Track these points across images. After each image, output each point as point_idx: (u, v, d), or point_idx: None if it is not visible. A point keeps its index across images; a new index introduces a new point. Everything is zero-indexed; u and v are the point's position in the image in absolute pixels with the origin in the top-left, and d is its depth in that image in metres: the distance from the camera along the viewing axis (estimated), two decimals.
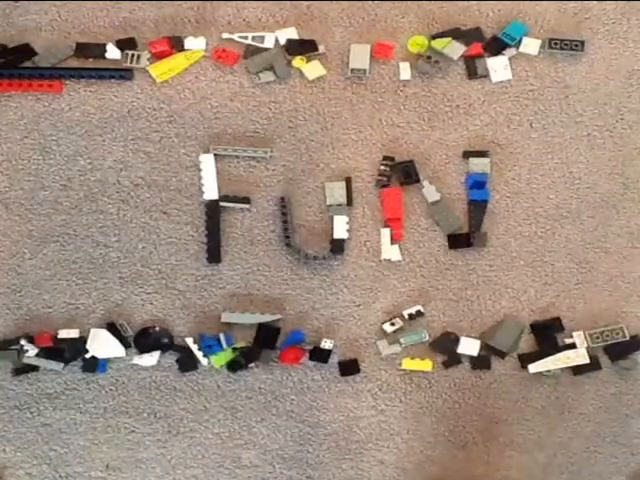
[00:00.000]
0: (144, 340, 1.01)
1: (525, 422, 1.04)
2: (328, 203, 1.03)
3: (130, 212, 1.03)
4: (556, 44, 1.05)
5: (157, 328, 1.01)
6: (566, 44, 1.05)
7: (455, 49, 1.04)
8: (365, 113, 1.05)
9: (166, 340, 1.01)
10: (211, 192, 1.02)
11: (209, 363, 1.01)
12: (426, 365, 1.03)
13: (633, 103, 1.06)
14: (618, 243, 1.05)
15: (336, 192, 1.02)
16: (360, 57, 1.04)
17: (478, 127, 1.05)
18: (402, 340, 1.02)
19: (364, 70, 1.04)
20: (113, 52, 1.03)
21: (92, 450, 1.02)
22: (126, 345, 1.00)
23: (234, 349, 1.01)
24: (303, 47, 1.04)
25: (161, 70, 1.03)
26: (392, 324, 1.02)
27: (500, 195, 1.05)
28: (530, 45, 1.05)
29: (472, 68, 1.05)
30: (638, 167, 1.06)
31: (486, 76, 1.05)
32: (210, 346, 1.00)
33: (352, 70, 1.04)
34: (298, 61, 1.03)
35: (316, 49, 1.04)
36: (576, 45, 1.05)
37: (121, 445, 1.02)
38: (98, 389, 1.01)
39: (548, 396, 1.04)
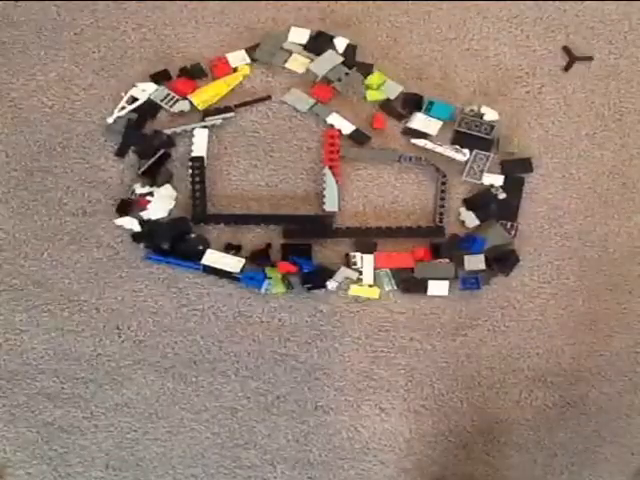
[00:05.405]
0: (181, 245, 1.00)
1: (525, 422, 1.05)
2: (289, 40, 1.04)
3: None
4: None
5: (193, 235, 1.01)
6: None
7: (392, 89, 1.04)
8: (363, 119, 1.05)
9: (201, 247, 1.00)
10: (200, 150, 1.02)
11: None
12: (373, 293, 1.02)
13: (633, 103, 1.07)
14: (618, 243, 1.06)
15: (298, 36, 1.04)
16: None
17: None
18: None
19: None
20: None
21: (92, 450, 1.01)
22: None
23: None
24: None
25: (202, 98, 1.02)
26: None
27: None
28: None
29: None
30: (638, 167, 1.06)
31: None
32: (252, 278, 1.00)
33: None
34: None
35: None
36: None
37: (121, 445, 1.02)
38: (98, 388, 1.01)
39: (548, 396, 1.04)
